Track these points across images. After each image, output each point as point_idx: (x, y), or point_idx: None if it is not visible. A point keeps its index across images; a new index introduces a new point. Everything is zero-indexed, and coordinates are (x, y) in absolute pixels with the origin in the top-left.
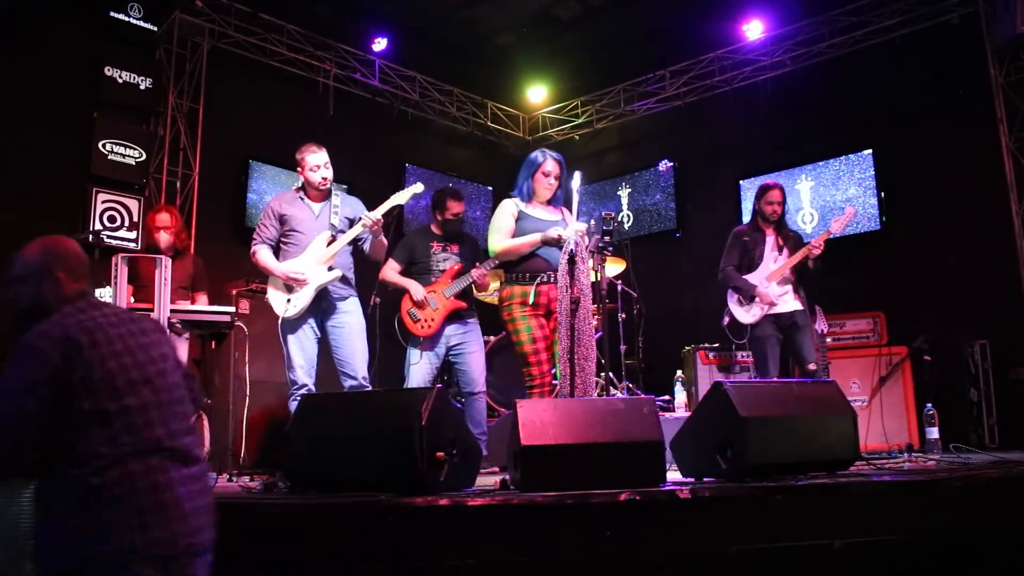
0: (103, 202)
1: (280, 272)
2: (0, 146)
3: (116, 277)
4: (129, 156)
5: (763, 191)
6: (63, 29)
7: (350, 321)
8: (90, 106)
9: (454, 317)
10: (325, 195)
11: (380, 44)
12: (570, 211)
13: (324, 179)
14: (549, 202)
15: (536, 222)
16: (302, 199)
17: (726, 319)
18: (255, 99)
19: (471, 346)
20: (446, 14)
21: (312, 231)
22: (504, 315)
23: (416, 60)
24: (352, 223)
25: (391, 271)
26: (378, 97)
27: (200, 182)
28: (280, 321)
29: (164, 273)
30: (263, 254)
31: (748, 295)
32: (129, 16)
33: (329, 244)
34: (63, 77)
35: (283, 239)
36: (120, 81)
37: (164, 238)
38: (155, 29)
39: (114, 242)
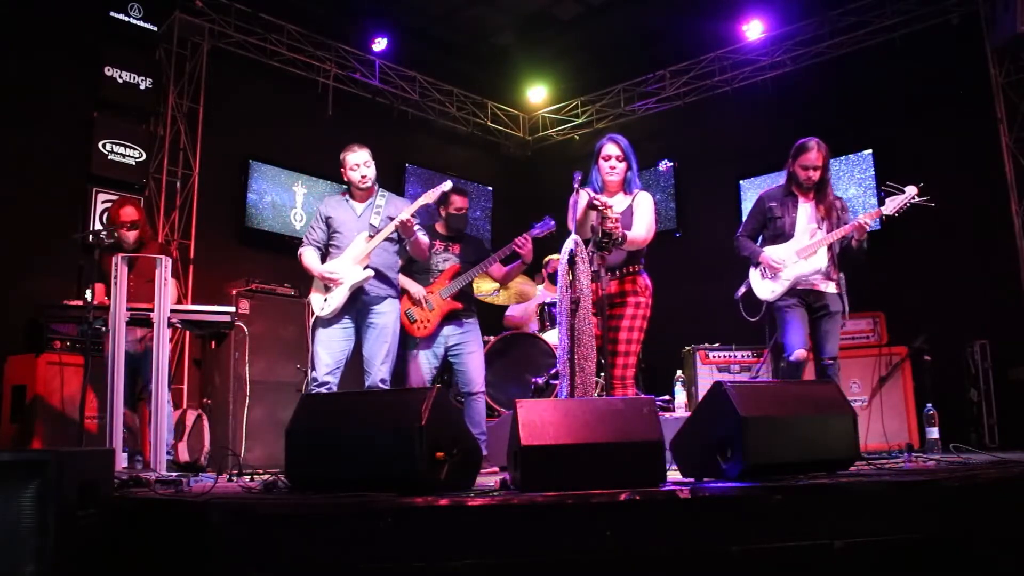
0: (103, 202)
1: (317, 272)
2: (0, 146)
3: (116, 277)
4: (129, 156)
5: (799, 151)
6: (63, 29)
7: (380, 323)
8: (90, 106)
9: (451, 318)
10: (368, 195)
11: (380, 44)
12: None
13: (363, 177)
14: (625, 190)
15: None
16: (347, 200)
17: (741, 290)
18: (255, 99)
19: (469, 346)
20: (446, 14)
21: (353, 231)
22: None
23: (416, 60)
24: None
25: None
26: (378, 97)
27: (200, 182)
28: (313, 319)
29: (164, 273)
30: (306, 255)
31: (756, 263)
32: (129, 16)
33: (367, 243)
34: (63, 77)
35: (330, 241)
36: (120, 81)
37: (131, 234)
38: (155, 29)
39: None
